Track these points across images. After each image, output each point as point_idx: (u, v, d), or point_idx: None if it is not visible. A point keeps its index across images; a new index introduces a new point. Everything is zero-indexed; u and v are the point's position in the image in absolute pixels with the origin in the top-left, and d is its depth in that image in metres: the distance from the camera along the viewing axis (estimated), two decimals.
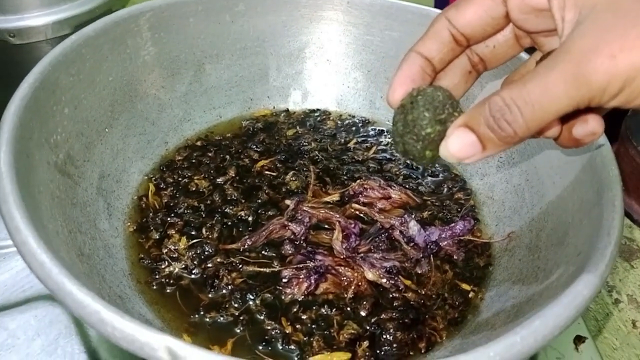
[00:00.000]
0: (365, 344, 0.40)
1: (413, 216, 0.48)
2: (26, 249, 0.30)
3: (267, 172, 0.52)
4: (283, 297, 0.42)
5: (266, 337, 0.40)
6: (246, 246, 0.45)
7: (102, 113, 0.48)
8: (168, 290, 0.42)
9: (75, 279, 0.28)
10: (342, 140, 0.56)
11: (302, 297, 0.42)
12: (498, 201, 0.50)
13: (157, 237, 0.46)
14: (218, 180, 0.51)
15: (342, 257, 0.44)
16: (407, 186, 0.52)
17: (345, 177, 0.52)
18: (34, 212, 0.33)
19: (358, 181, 0.50)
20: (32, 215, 0.32)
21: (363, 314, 0.41)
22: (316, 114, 0.60)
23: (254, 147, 0.55)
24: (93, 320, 0.27)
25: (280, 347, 0.39)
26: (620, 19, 0.25)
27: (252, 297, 0.42)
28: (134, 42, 0.50)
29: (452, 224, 0.47)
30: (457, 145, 0.28)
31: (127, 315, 0.27)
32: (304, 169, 0.52)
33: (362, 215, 0.48)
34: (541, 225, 0.44)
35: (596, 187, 0.38)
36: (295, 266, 0.43)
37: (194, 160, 0.53)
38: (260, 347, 0.39)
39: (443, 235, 0.46)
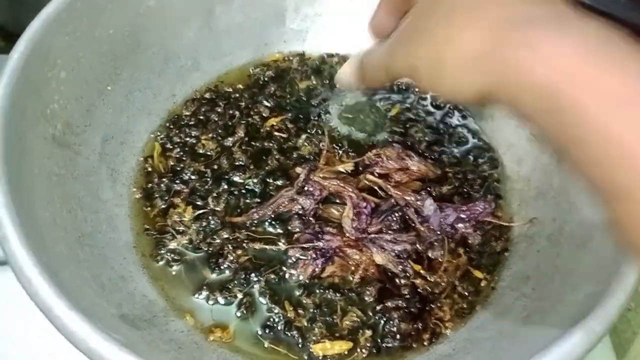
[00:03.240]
0: (368, 333, 0.39)
1: (431, 192, 0.45)
2: (14, 261, 0.29)
3: (277, 134, 0.49)
4: (288, 279, 0.41)
5: (268, 322, 0.39)
6: (253, 220, 0.44)
7: (102, 70, 0.45)
8: (172, 266, 0.42)
9: (65, 299, 0.28)
10: None
11: (307, 280, 0.41)
12: (524, 177, 0.47)
13: (163, 206, 0.44)
14: (226, 142, 0.48)
15: (351, 237, 0.43)
16: (429, 154, 0.48)
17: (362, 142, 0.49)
18: (26, 211, 0.32)
19: (374, 150, 0.47)
20: (23, 220, 0.31)
21: (368, 300, 0.40)
22: (335, 60, 0.55)
23: (264, 101, 0.51)
24: (82, 347, 0.27)
25: (282, 333, 0.39)
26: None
27: (256, 279, 0.41)
28: None
29: (472, 204, 0.45)
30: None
31: (115, 345, 0.27)
32: (318, 131, 0.49)
33: (375, 187, 0.46)
34: (566, 217, 0.41)
35: None
36: (302, 245, 0.42)
37: (201, 117, 0.50)
38: (262, 333, 0.39)
39: (461, 216, 0.44)
